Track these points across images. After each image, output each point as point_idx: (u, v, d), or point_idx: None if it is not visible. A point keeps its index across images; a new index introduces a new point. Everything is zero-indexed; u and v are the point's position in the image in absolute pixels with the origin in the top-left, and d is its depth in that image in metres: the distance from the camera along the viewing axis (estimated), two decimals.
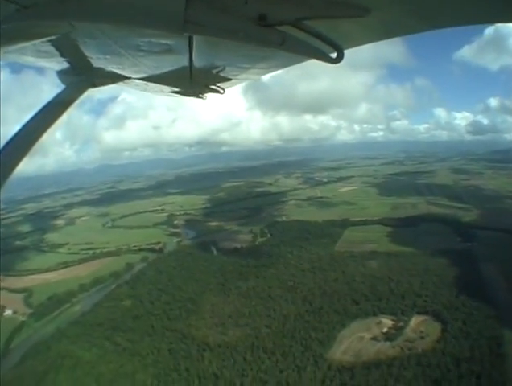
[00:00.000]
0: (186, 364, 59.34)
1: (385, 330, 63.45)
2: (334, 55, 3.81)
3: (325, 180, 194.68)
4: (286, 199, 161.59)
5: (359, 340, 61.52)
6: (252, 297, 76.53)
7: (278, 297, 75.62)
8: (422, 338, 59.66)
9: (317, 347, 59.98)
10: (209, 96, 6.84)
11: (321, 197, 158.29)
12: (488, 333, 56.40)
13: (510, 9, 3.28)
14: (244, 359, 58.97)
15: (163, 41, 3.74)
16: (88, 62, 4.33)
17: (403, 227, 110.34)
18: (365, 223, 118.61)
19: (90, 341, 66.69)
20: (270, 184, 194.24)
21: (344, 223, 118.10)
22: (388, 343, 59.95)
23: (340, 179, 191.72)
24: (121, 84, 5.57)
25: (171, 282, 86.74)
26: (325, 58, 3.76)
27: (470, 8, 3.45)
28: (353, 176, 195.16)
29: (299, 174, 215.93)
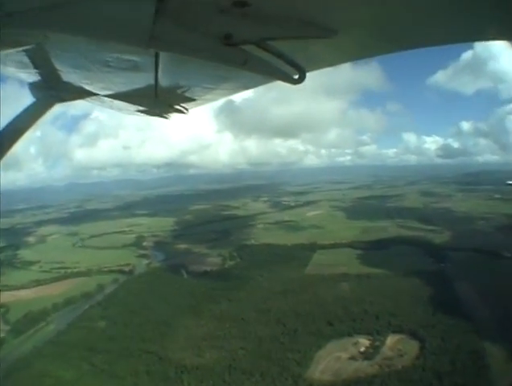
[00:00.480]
0: None
1: (362, 349, 64.13)
2: (297, 76, 3.99)
3: (293, 204, 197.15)
4: (254, 222, 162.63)
5: (336, 360, 62.03)
6: (225, 320, 76.56)
7: (252, 319, 75.85)
8: (400, 356, 60.72)
9: (295, 368, 60.40)
10: (180, 117, 6.86)
11: (289, 221, 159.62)
12: (468, 347, 58.07)
13: (480, 28, 3.73)
14: (223, 381, 59.07)
15: (130, 57, 3.81)
16: (59, 75, 4.38)
17: (373, 249, 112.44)
18: (333, 246, 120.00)
19: (68, 361, 66.10)
20: (238, 207, 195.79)
21: (313, 247, 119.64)
22: (366, 362, 60.63)
23: (307, 203, 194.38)
24: (89, 100, 5.62)
25: (144, 304, 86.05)
26: (287, 79, 3.97)
27: (439, 29, 3.71)
28: (320, 200, 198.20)
29: (267, 198, 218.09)
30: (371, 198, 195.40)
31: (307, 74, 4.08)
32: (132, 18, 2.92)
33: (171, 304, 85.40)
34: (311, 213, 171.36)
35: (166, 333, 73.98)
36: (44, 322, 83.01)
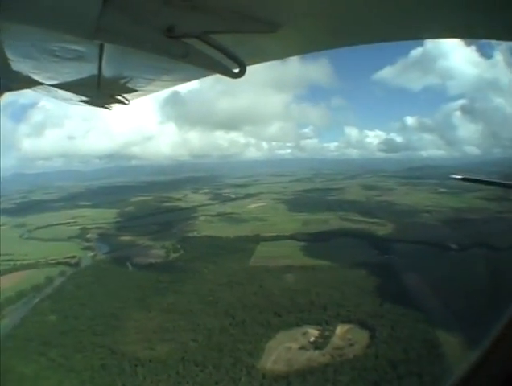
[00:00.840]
0: (122, 380, 59.18)
1: (312, 339, 65.58)
2: (237, 70, 4.04)
3: (233, 196, 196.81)
4: (195, 214, 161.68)
5: (287, 350, 63.23)
6: (173, 313, 76.63)
7: (200, 311, 76.13)
8: (351, 345, 62.56)
9: (247, 359, 61.29)
10: (125, 108, 7.04)
11: (231, 213, 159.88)
12: (420, 336, 60.56)
13: (426, 26, 3.91)
14: (177, 373, 59.27)
15: (76, 47, 3.80)
16: (8, 64, 4.31)
17: (317, 241, 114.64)
18: (276, 238, 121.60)
19: (27, 356, 64.83)
20: (179, 199, 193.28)
21: (256, 239, 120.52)
22: (317, 352, 62.19)
23: (248, 196, 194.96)
24: (36, 89, 5.73)
25: (92, 297, 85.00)
26: (227, 72, 4.02)
27: (386, 25, 3.88)
28: (261, 193, 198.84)
29: (207, 190, 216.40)
30: (312, 191, 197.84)
31: (256, 67, 4.29)
32: (79, 8, 2.90)
33: (119, 297, 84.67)
34: (252, 205, 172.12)
35: (116, 326, 73.42)
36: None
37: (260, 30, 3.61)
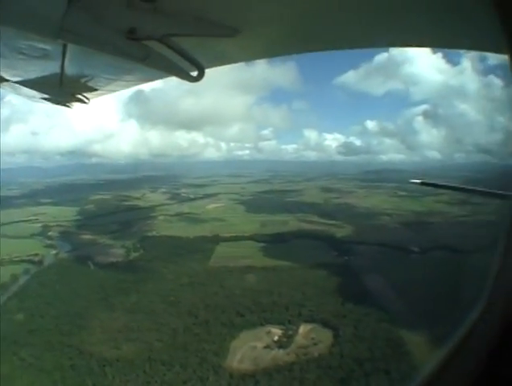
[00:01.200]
0: (92, 380, 58.73)
1: (276, 338, 66.10)
2: (196, 73, 4.23)
3: (192, 196, 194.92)
4: (154, 214, 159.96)
5: (252, 349, 63.55)
6: (137, 312, 75.90)
7: (163, 311, 75.73)
8: (315, 344, 63.35)
9: (213, 358, 61.42)
10: (89, 106, 7.19)
11: (190, 213, 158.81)
12: (384, 335, 61.87)
13: (391, 33, 4.08)
14: (144, 372, 59.02)
15: (42, 46, 3.83)
16: None
17: (276, 242, 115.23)
18: (236, 239, 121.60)
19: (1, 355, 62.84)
20: (138, 198, 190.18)
21: (216, 239, 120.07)
22: (282, 351, 62.73)
23: (207, 196, 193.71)
24: (1, 85, 5.78)
25: (57, 296, 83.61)
26: (185, 76, 4.19)
27: (346, 32, 4.00)
28: (219, 193, 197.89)
29: (166, 190, 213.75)
30: (270, 192, 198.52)
31: (222, 68, 4.59)
32: (44, 9, 2.94)
33: (83, 296, 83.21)
34: (211, 206, 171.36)
35: (82, 326, 72.33)
36: None
37: (220, 35, 3.69)
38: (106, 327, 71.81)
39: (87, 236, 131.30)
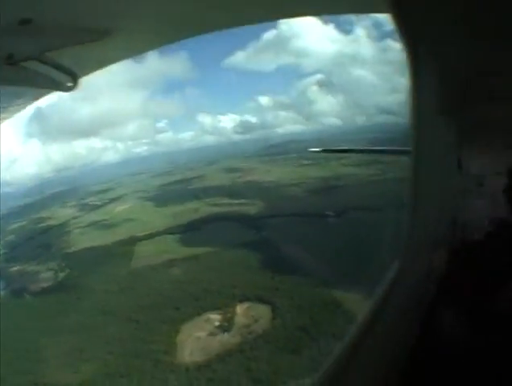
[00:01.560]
0: None
1: (217, 324, 67.16)
2: (70, 83, 4.27)
3: (99, 203, 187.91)
4: (68, 229, 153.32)
5: (198, 340, 64.16)
6: (81, 331, 73.58)
7: (104, 323, 74.27)
8: (256, 321, 65.07)
9: (165, 357, 61.47)
10: None
11: (101, 220, 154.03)
12: (320, 299, 64.57)
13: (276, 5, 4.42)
14: None
15: None
16: None
17: (191, 231, 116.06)
18: (151, 236, 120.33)
19: None
20: (50, 218, 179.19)
21: (132, 240, 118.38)
22: (227, 334, 64.01)
23: (113, 200, 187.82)
24: None
25: (2, 336, 76.23)
26: (61, 87, 4.24)
27: (227, 12, 4.28)
28: (125, 194, 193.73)
29: (74, 203, 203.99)
30: (174, 183, 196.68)
31: (115, 68, 5.00)
32: None
33: (28, 329, 78.78)
34: (119, 208, 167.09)
35: (35, 359, 68.64)
36: None
37: (91, 40, 3.77)
38: (58, 353, 68.83)
39: (16, 268, 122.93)
